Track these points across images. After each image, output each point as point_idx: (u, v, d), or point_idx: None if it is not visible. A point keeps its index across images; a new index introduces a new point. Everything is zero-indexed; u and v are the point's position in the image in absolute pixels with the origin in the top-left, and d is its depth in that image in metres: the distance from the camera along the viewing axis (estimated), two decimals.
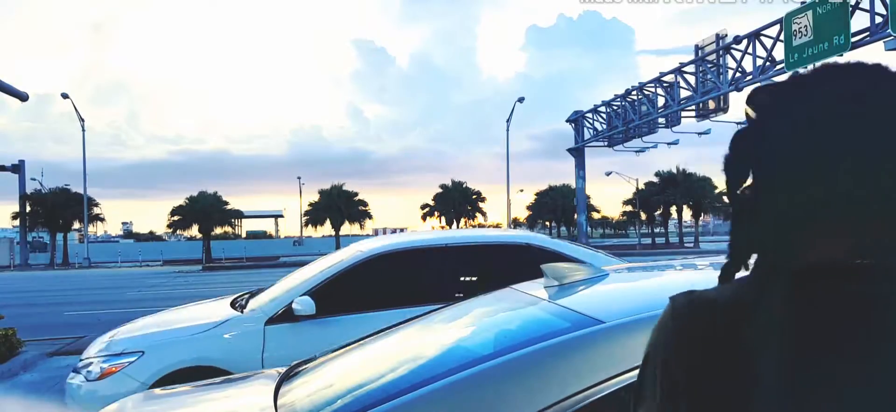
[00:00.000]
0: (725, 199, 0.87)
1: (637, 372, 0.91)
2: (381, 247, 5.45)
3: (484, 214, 53.90)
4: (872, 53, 21.61)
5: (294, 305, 4.83)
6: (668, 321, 0.83)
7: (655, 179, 53.40)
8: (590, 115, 37.78)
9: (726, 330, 0.75)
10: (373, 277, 5.15)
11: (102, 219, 53.22)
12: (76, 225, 49.12)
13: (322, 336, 4.53)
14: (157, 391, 3.17)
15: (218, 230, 51.16)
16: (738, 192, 0.79)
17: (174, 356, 4.67)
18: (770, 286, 0.75)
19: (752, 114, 0.79)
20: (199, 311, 5.52)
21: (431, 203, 52.28)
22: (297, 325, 4.81)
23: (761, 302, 0.75)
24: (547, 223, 56.25)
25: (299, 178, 59.07)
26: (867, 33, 19.85)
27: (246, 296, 5.74)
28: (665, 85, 30.72)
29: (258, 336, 4.80)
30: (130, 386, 4.37)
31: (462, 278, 5.16)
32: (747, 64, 25.01)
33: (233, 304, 5.41)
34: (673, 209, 53.74)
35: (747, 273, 0.81)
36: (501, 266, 5.25)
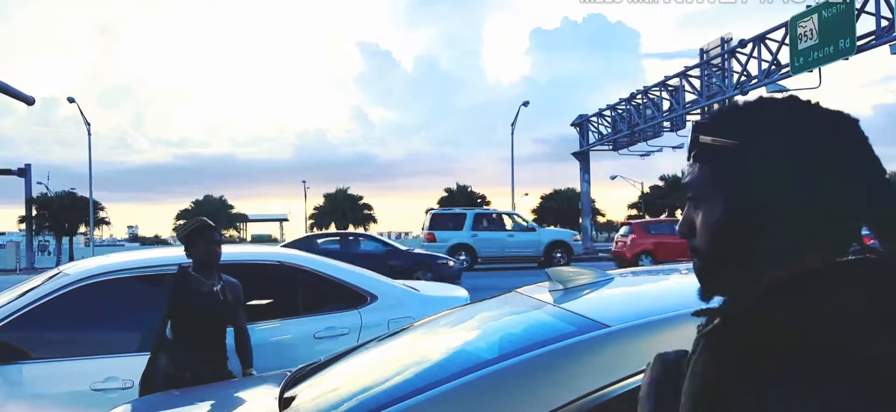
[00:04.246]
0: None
1: (642, 375, 0.93)
2: (96, 268, 4.09)
3: None
4: (878, 56, 21.55)
5: None
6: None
7: (660, 183, 53.35)
8: (595, 118, 37.74)
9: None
10: (80, 311, 3.92)
11: (108, 223, 53.54)
12: (82, 228, 49.30)
13: None
14: (159, 395, 3.17)
15: (223, 234, 51.32)
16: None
17: None
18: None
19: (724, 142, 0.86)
20: None
21: (436, 207, 52.30)
22: None
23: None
24: (552, 227, 56.20)
25: (304, 181, 59.17)
26: (873, 36, 19.79)
27: None
28: (670, 88, 30.69)
29: None
30: None
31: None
32: (752, 67, 24.97)
33: None
34: (678, 213, 53.60)
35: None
36: (250, 288, 3.98)
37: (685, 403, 0.84)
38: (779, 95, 0.90)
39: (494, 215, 26.97)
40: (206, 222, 3.81)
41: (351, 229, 51.61)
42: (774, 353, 0.74)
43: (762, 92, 23.69)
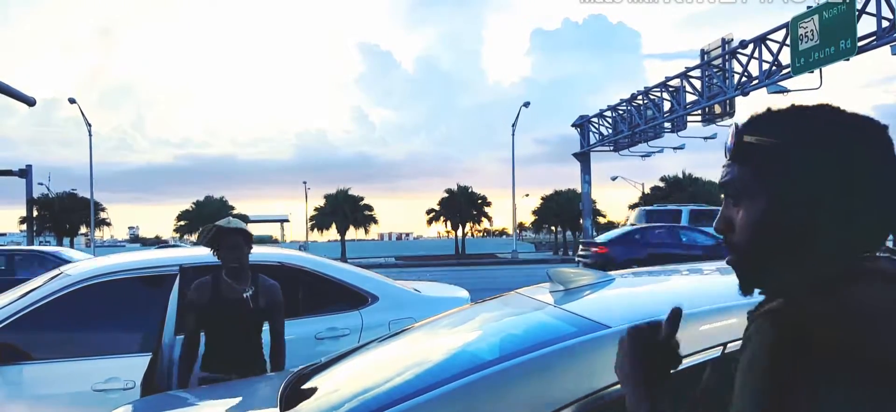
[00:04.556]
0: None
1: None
2: (98, 269, 4.11)
3: (490, 219, 53.86)
4: (879, 57, 21.56)
5: None
6: None
7: (661, 184, 53.24)
8: (595, 119, 37.72)
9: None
10: (81, 312, 3.92)
11: (109, 224, 53.54)
12: (83, 229, 49.30)
13: None
14: (160, 396, 3.18)
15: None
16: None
17: None
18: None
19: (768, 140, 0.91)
20: None
21: (437, 208, 52.21)
22: None
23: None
24: (552, 228, 56.10)
25: (305, 182, 59.04)
26: (874, 37, 19.76)
27: None
28: (671, 89, 30.65)
29: None
30: None
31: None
32: (753, 68, 24.94)
33: None
34: None
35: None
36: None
37: (742, 389, 0.84)
38: (813, 103, 0.94)
39: (707, 211, 26.80)
40: (221, 227, 3.65)
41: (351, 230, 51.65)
42: (817, 346, 0.78)
43: (763, 93, 23.48)
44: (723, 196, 0.97)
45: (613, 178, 49.75)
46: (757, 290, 0.95)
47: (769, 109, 0.95)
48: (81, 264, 4.47)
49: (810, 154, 0.88)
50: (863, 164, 0.86)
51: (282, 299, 3.68)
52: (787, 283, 0.89)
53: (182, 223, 50.20)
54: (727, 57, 26.39)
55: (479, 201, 51.70)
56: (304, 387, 2.45)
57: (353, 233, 52.11)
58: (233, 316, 3.51)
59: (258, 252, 5.34)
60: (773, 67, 23.66)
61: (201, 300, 3.54)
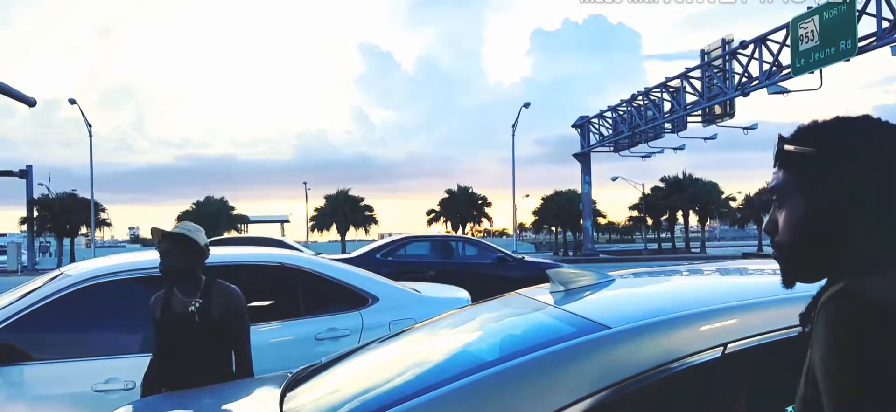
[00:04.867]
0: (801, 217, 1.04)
1: (643, 377, 0.96)
2: (97, 269, 4.07)
3: (490, 219, 53.90)
4: (879, 58, 21.55)
5: None
6: None
7: (661, 184, 53.22)
8: (596, 120, 37.77)
9: None
10: (82, 312, 3.91)
11: (109, 224, 53.50)
12: (83, 229, 49.30)
13: None
14: (160, 396, 3.17)
15: (225, 235, 51.34)
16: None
17: None
18: None
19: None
20: None
21: (437, 208, 52.28)
22: None
23: None
24: (553, 228, 56.13)
25: (305, 182, 59.06)
26: (874, 38, 19.78)
27: None
28: (671, 90, 30.68)
29: None
30: None
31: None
32: (754, 69, 24.97)
33: None
34: (679, 214, 53.57)
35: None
36: (251, 289, 3.92)
37: (827, 372, 0.91)
38: (854, 115, 1.04)
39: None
40: (155, 229, 3.30)
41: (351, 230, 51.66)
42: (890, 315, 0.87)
43: (763, 93, 23.49)
44: (773, 200, 1.07)
45: (614, 179, 49.68)
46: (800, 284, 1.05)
47: (815, 121, 1.05)
48: (82, 264, 4.45)
49: (844, 163, 0.97)
50: (889, 173, 0.95)
51: (243, 306, 3.29)
52: (839, 269, 0.98)
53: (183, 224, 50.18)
54: (727, 57, 26.41)
55: (480, 201, 51.75)
56: (305, 387, 2.45)
57: (353, 234, 52.16)
58: (182, 331, 3.18)
59: (258, 252, 5.35)
60: (774, 68, 23.67)
61: (154, 315, 3.27)
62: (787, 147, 1.03)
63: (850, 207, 0.96)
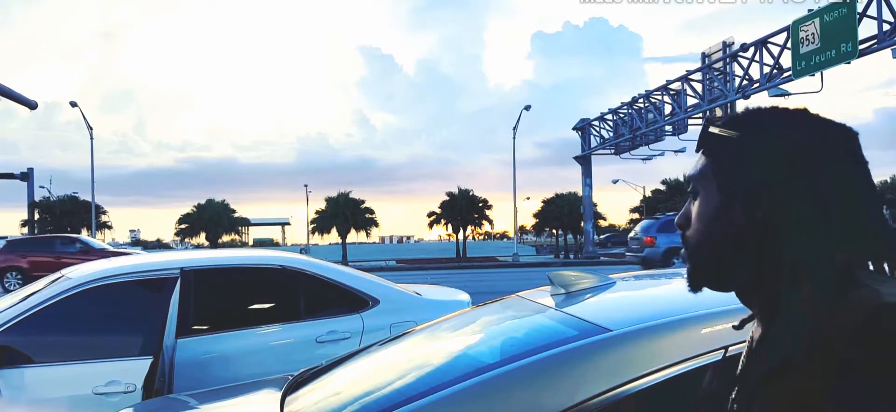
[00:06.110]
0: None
1: (644, 380, 0.93)
2: (98, 273, 4.07)
3: (491, 222, 53.81)
4: (880, 60, 21.52)
5: None
6: None
7: (662, 187, 53.20)
8: (596, 122, 37.75)
9: None
10: (83, 315, 3.91)
11: (110, 227, 53.59)
12: (84, 232, 49.34)
13: None
14: (161, 398, 3.17)
15: (225, 238, 51.30)
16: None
17: None
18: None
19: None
20: None
21: (438, 211, 52.16)
22: None
23: None
24: (553, 231, 56.05)
25: (306, 185, 58.96)
26: (875, 40, 19.77)
27: None
28: (672, 92, 30.67)
29: None
30: None
31: (205, 306, 4.05)
32: (754, 71, 24.95)
33: None
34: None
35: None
36: (252, 292, 4.31)
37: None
38: (789, 106, 0.91)
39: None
40: None
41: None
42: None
43: (764, 96, 23.52)
44: (688, 191, 0.94)
45: (614, 182, 49.72)
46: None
47: (747, 108, 0.92)
48: (82, 267, 4.44)
49: (762, 147, 0.84)
50: (819, 165, 0.82)
51: None
52: (733, 282, 0.88)
53: (183, 226, 50.20)
54: (728, 60, 26.40)
55: (480, 204, 51.65)
56: (306, 390, 2.45)
57: (354, 237, 52.05)
58: None
59: (259, 255, 5.36)
60: (774, 70, 23.67)
61: None
62: (710, 130, 0.90)
63: (762, 198, 0.83)
